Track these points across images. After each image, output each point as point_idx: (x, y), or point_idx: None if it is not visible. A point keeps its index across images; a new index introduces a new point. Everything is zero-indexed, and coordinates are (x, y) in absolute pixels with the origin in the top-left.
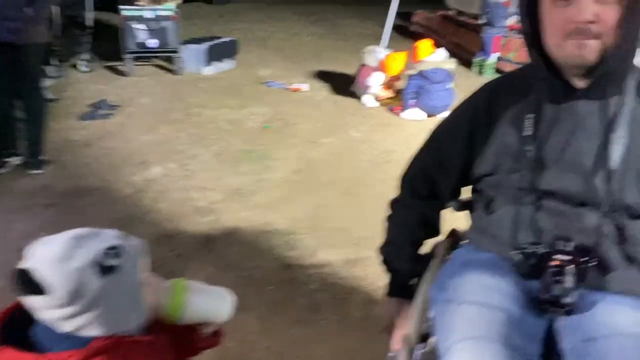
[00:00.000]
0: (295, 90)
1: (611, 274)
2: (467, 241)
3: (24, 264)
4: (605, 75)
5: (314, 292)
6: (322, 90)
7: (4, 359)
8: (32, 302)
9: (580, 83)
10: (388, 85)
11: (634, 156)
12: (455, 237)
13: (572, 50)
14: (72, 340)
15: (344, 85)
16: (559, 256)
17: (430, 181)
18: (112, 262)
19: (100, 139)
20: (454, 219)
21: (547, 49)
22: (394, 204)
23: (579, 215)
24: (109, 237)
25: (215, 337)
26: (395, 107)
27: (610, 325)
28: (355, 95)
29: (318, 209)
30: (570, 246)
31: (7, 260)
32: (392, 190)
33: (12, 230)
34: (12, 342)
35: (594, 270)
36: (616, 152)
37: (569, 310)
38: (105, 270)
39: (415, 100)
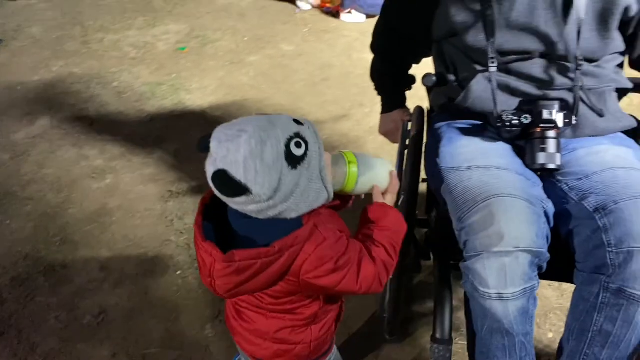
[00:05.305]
0: None
1: (583, 122)
2: (438, 114)
3: (216, 165)
4: None
5: None
6: None
7: (241, 257)
8: (232, 202)
9: None
10: None
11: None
12: (421, 113)
13: None
14: (274, 227)
15: None
16: (541, 123)
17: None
18: (300, 152)
19: None
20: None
21: None
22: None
23: (552, 75)
24: (287, 124)
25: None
26: (333, 7)
27: (598, 163)
28: None
29: None
30: (552, 107)
31: None
32: (329, 116)
33: None
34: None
35: (572, 126)
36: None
37: (557, 170)
38: (296, 161)
39: None
